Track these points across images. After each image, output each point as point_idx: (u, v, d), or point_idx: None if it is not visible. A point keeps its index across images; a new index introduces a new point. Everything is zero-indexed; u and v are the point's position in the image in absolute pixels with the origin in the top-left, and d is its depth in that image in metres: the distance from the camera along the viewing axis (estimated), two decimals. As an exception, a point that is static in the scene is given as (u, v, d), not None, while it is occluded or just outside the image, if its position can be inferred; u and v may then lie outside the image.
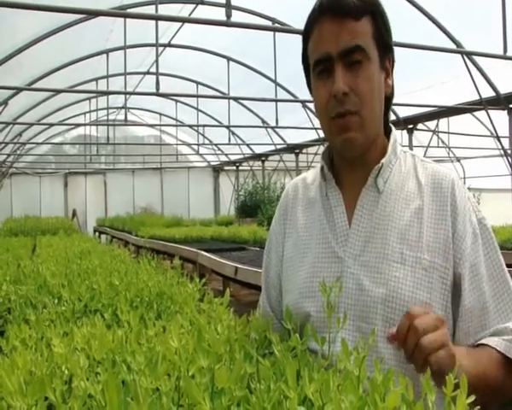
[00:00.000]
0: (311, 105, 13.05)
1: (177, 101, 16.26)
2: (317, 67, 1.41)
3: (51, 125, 15.63)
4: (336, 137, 1.41)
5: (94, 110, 16.19)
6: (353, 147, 1.41)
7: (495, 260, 1.40)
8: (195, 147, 21.93)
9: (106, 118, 16.79)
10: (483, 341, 1.33)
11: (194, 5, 10.23)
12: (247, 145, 18.53)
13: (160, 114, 18.83)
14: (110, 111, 16.58)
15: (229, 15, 5.33)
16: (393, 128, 1.54)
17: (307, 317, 1.42)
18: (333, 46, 1.35)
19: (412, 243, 1.36)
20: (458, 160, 17.92)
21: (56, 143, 20.30)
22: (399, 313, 1.30)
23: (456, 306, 1.35)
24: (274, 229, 1.68)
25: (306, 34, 1.45)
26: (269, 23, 10.13)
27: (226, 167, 23.37)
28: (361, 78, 1.36)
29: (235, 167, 22.64)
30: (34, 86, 11.59)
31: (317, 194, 1.56)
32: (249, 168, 21.18)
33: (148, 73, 13.67)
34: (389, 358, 1.31)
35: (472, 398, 0.85)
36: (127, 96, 13.74)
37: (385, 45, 1.42)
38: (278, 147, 17.21)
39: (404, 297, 1.32)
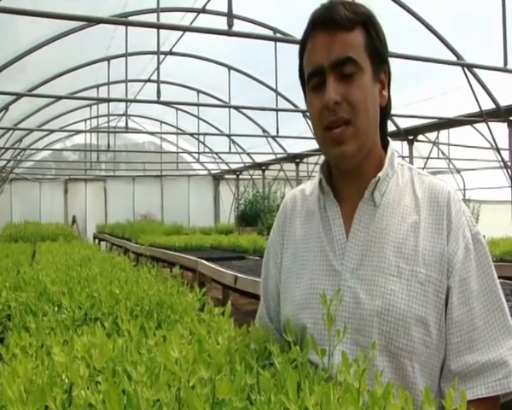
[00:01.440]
0: (312, 115, 13.05)
1: (177, 109, 16.28)
2: (311, 80, 1.42)
3: (52, 131, 15.66)
4: (330, 149, 1.42)
5: (95, 117, 16.19)
6: (347, 160, 1.42)
7: (487, 275, 1.40)
8: (196, 155, 21.94)
9: (106, 125, 16.80)
10: (474, 391, 1.32)
11: (195, 14, 10.25)
12: (248, 154, 18.53)
13: (161, 122, 18.84)
14: (111, 118, 16.59)
15: (230, 25, 5.35)
16: (391, 141, 1.54)
17: (304, 329, 1.42)
18: (324, 58, 1.36)
19: (408, 257, 1.37)
20: (458, 171, 17.93)
21: (57, 150, 20.30)
22: (395, 327, 1.32)
23: (446, 319, 1.36)
24: (272, 240, 1.69)
25: (302, 49, 1.46)
26: (270, 33, 10.14)
27: (226, 176, 23.37)
28: (353, 87, 1.36)
29: (235, 176, 22.64)
30: (35, 92, 11.60)
31: (316, 206, 1.57)
32: (249, 177, 21.17)
33: (149, 80, 13.69)
34: (386, 371, 1.32)
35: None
36: (128, 103, 13.75)
37: (378, 57, 1.42)
38: (278, 156, 17.20)
39: (399, 311, 1.32)
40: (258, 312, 1.72)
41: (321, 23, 1.38)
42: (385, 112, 1.48)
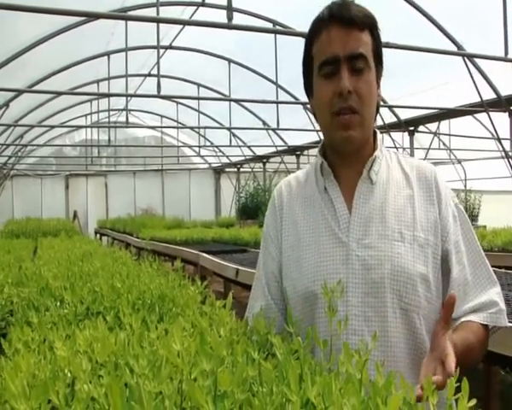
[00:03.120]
0: (312, 107, 13.02)
1: (178, 103, 16.25)
2: (323, 68, 1.55)
3: (52, 127, 15.64)
4: (337, 133, 1.57)
5: (95, 112, 16.16)
6: (352, 143, 1.57)
7: (471, 238, 1.63)
8: (196, 149, 21.93)
9: (107, 120, 16.77)
10: (471, 317, 1.52)
11: (195, 7, 10.24)
12: (248, 147, 18.52)
13: (161, 116, 18.81)
14: (111, 113, 16.54)
15: (230, 18, 5.34)
16: (378, 131, 1.71)
17: (316, 298, 1.54)
18: (340, 49, 1.50)
19: (408, 224, 1.55)
20: (459, 162, 17.91)
21: (57, 145, 20.28)
22: (404, 285, 1.49)
23: (446, 277, 1.56)
24: (269, 226, 1.78)
25: (312, 36, 1.59)
26: (270, 25, 10.12)
27: (227, 169, 23.37)
28: (362, 82, 1.52)
29: (236, 169, 22.64)
30: (35, 88, 11.59)
31: (314, 190, 1.69)
32: (250, 170, 21.16)
33: (149, 75, 13.67)
34: (398, 325, 1.49)
35: (473, 402, 0.85)
36: (128, 98, 13.75)
37: (379, 58, 1.60)
38: (279, 149, 17.19)
39: (407, 270, 1.49)
40: (250, 302, 1.77)
41: (338, 18, 1.51)
42: (376, 109, 1.65)
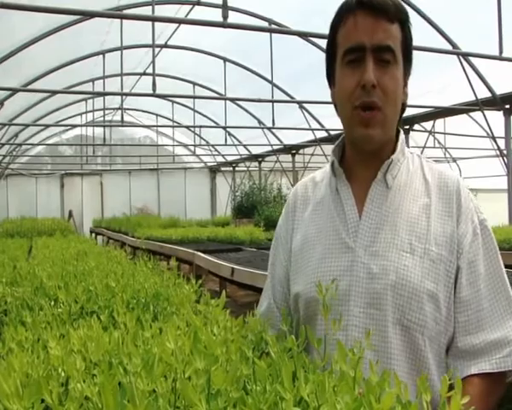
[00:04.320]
0: (308, 106, 13.11)
1: (173, 102, 16.24)
2: (347, 56, 1.45)
3: (47, 126, 15.61)
4: (357, 128, 1.46)
5: (90, 111, 16.14)
6: (371, 143, 1.47)
7: (493, 260, 1.47)
8: (192, 148, 21.91)
9: (102, 119, 16.73)
10: (479, 367, 1.38)
11: (190, 6, 10.22)
12: (244, 146, 18.52)
13: (157, 115, 18.80)
14: (106, 112, 16.52)
15: (225, 16, 5.34)
16: (401, 130, 1.62)
17: (318, 303, 1.44)
18: (367, 38, 1.40)
19: (421, 236, 1.43)
20: (454, 160, 17.94)
21: (53, 144, 20.25)
22: (408, 301, 1.38)
23: (454, 297, 1.42)
24: (281, 226, 1.73)
25: (337, 23, 1.49)
26: (265, 24, 10.11)
27: (223, 168, 23.38)
28: (388, 76, 1.42)
29: (231, 168, 22.65)
30: (30, 87, 11.57)
31: (327, 190, 1.61)
32: (246, 169, 21.16)
33: (144, 73, 13.65)
34: (398, 343, 1.38)
35: (466, 399, 0.85)
36: (123, 97, 13.71)
37: (408, 56, 1.49)
38: (275, 148, 17.21)
39: (413, 285, 1.38)
40: (261, 299, 1.74)
41: (369, 5, 1.40)
42: (402, 108, 1.54)
